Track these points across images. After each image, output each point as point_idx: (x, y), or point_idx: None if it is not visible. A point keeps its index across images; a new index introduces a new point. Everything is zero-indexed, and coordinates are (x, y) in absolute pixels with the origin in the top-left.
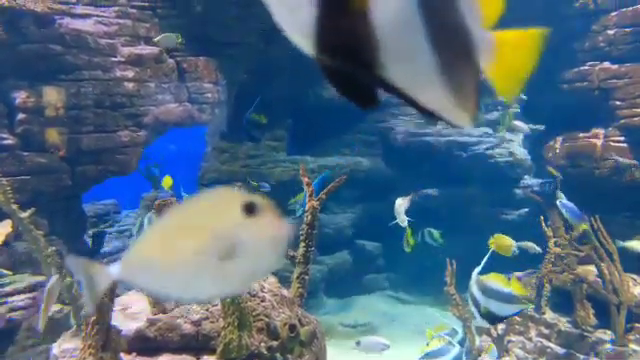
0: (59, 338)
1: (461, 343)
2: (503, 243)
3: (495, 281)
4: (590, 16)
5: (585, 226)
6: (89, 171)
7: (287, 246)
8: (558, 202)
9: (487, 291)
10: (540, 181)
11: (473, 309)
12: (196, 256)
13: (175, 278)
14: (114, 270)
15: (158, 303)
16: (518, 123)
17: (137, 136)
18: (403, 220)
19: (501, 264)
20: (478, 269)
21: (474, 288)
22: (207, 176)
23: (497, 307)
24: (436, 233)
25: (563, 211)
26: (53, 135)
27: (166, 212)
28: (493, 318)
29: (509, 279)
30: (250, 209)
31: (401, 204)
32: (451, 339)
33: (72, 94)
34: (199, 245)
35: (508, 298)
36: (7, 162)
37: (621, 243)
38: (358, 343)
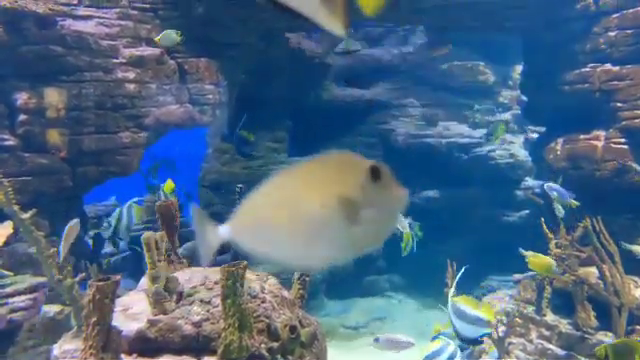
0: (60, 339)
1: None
2: (542, 262)
3: (465, 304)
4: (591, 18)
5: (575, 203)
6: (90, 172)
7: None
8: (545, 186)
9: (458, 313)
10: (541, 183)
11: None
12: (320, 217)
13: (291, 240)
14: (223, 230)
15: (159, 304)
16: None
17: (138, 137)
18: (404, 227)
19: (502, 265)
20: (452, 291)
21: (449, 309)
22: (208, 177)
23: (463, 328)
24: (416, 226)
25: (553, 194)
26: (54, 136)
27: (281, 171)
28: (462, 339)
29: (480, 302)
30: (375, 174)
31: None
32: (447, 339)
33: (73, 95)
34: (324, 206)
35: (474, 321)
36: (8, 163)
37: (628, 246)
38: (377, 340)
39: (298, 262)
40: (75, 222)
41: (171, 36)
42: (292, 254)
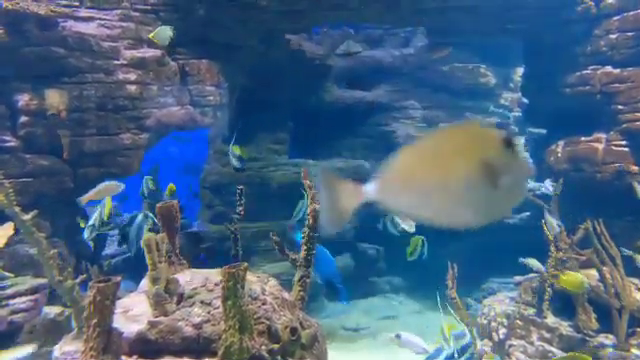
0: (60, 340)
1: (467, 347)
2: (574, 280)
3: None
4: (592, 20)
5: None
6: (91, 173)
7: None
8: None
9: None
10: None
11: None
12: (466, 181)
13: (438, 202)
14: (369, 189)
15: (159, 305)
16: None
17: (139, 139)
18: (411, 226)
19: (502, 267)
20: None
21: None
22: (209, 179)
23: None
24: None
25: (548, 188)
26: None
27: (422, 137)
28: None
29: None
30: (509, 144)
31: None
32: (444, 340)
33: (75, 97)
34: (469, 171)
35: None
36: (10, 164)
37: (627, 252)
38: (398, 336)
39: (442, 222)
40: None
41: (166, 33)
42: (438, 215)
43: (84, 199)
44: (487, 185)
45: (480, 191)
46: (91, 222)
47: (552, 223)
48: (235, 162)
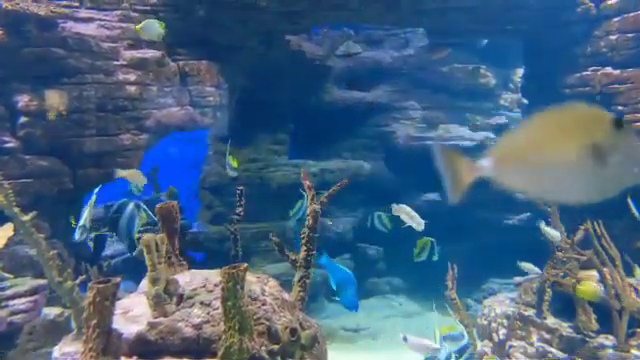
0: (60, 341)
1: (465, 348)
2: (590, 290)
3: None
4: (592, 21)
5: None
6: (91, 174)
7: None
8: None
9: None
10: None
11: None
12: (577, 161)
13: (550, 180)
14: (485, 164)
15: (159, 306)
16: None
17: (139, 139)
18: (420, 223)
19: (502, 268)
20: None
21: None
22: (208, 179)
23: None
24: (385, 217)
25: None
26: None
27: (533, 117)
28: None
29: None
30: (618, 124)
31: (400, 210)
32: (442, 341)
33: (74, 97)
34: (579, 151)
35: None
36: (9, 165)
37: (628, 258)
38: (405, 339)
39: (553, 199)
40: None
41: (155, 28)
42: (550, 192)
43: (119, 174)
44: (596, 165)
45: (590, 170)
46: (81, 222)
47: (551, 233)
48: (231, 172)
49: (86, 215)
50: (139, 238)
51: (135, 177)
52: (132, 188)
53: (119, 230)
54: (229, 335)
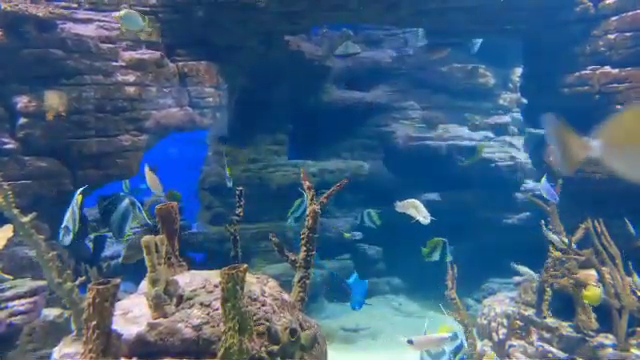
0: (59, 343)
1: (458, 349)
2: (594, 294)
3: None
4: (590, 21)
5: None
6: (90, 175)
7: None
8: (542, 181)
9: None
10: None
11: None
12: None
13: None
14: (595, 145)
15: (159, 307)
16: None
17: (138, 140)
18: (426, 216)
19: (502, 267)
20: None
21: None
22: (208, 180)
23: None
24: (375, 215)
25: (544, 192)
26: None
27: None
28: None
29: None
30: None
31: (406, 205)
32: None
33: (74, 98)
34: None
35: None
36: (8, 166)
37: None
38: (410, 342)
39: None
40: None
41: (137, 20)
42: None
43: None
44: None
45: None
46: (64, 223)
47: (554, 238)
48: (228, 183)
49: (68, 216)
50: (129, 236)
51: (153, 183)
52: (124, 187)
53: (110, 223)
54: (229, 336)
